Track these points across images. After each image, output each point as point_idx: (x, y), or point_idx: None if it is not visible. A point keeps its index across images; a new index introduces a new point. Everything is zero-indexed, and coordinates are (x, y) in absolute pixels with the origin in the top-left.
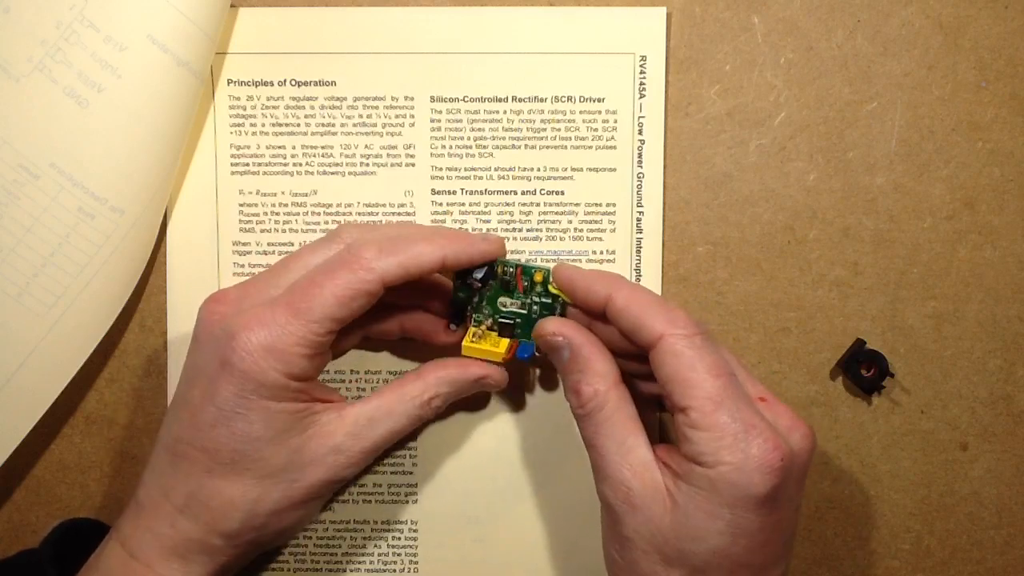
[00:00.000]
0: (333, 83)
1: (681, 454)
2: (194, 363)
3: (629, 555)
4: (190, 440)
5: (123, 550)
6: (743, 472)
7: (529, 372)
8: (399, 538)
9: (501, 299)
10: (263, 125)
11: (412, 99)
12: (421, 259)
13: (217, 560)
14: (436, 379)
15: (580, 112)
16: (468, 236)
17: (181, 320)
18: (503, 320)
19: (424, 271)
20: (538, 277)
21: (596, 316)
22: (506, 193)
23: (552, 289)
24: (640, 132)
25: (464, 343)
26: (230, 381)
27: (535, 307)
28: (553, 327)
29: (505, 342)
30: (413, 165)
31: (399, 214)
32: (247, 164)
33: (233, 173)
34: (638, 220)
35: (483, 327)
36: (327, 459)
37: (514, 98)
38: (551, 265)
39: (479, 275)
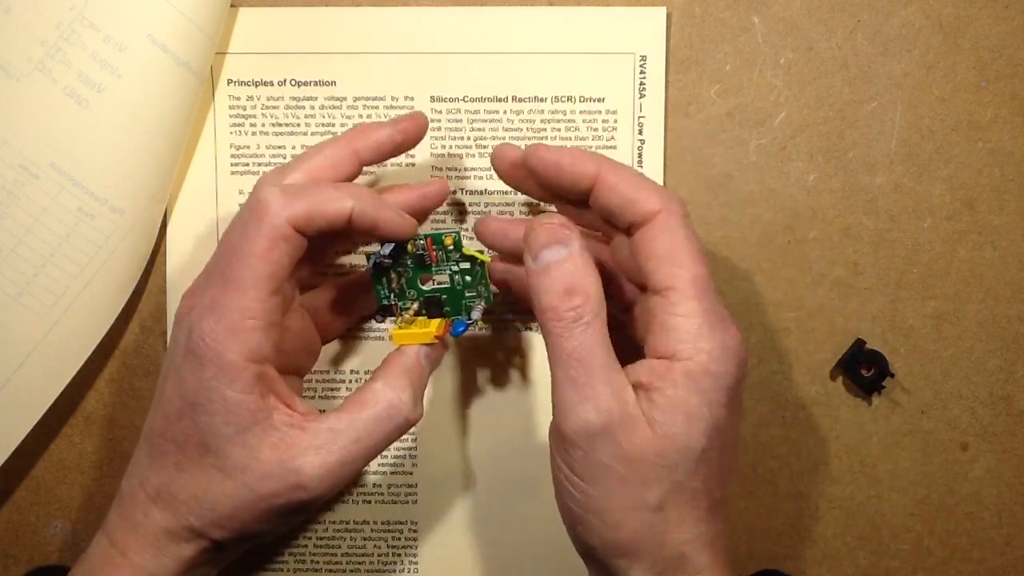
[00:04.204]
0: (333, 83)
1: (651, 358)
2: (169, 357)
3: (602, 486)
4: (162, 433)
5: (107, 540)
6: (720, 361)
7: (530, 372)
8: (399, 538)
9: (421, 276)
10: (263, 125)
11: (412, 99)
12: (328, 205)
13: (185, 553)
14: (385, 374)
15: (580, 112)
16: (380, 199)
17: None
18: (428, 298)
19: (331, 218)
20: (448, 241)
21: (571, 197)
22: (506, 193)
23: (466, 252)
24: (640, 132)
25: (393, 331)
26: (192, 370)
27: (456, 276)
28: (560, 219)
29: (435, 322)
30: (413, 165)
31: None
32: (247, 164)
33: (233, 173)
34: None
35: (410, 312)
36: (287, 478)
37: (514, 98)
38: (458, 228)
39: (386, 251)
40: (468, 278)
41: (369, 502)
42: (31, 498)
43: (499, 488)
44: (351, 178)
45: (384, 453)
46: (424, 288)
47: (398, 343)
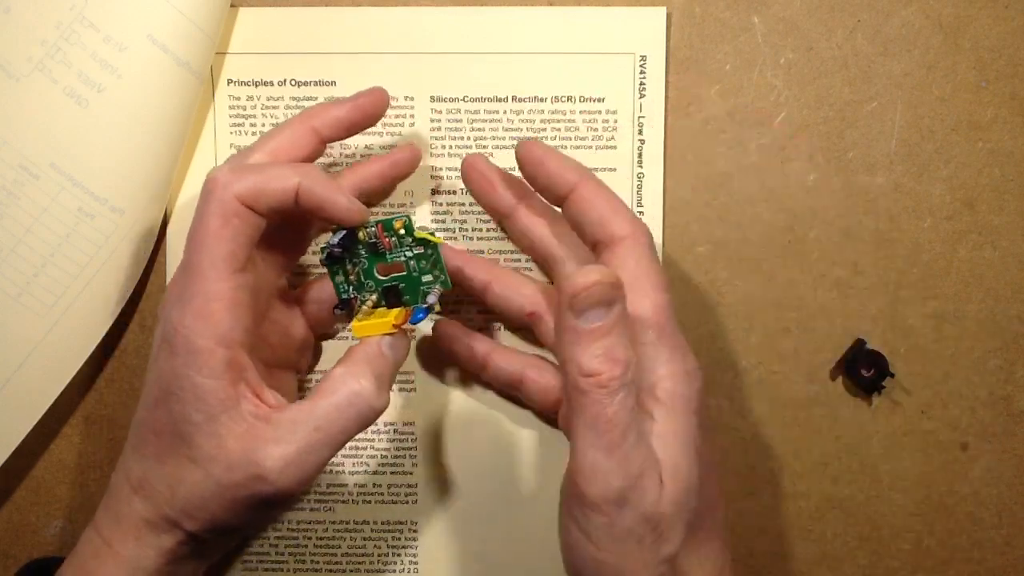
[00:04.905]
0: (333, 83)
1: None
2: (152, 349)
3: (620, 551)
4: (143, 423)
5: (95, 532)
6: (685, 384)
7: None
8: (399, 538)
9: (378, 266)
10: (263, 125)
11: (412, 99)
12: (275, 182)
13: (165, 544)
14: (346, 363)
15: (580, 112)
16: (332, 182)
17: None
18: (386, 288)
19: (279, 194)
20: (398, 225)
21: (549, 198)
22: None
23: (418, 235)
24: (640, 132)
25: (353, 324)
26: (167, 358)
27: (412, 262)
28: (612, 276)
29: (394, 311)
30: None
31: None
32: None
33: None
34: None
35: (369, 303)
36: (249, 469)
37: (514, 98)
38: (407, 213)
39: (335, 240)
40: (423, 262)
41: (369, 502)
42: (31, 498)
43: (499, 488)
44: (313, 156)
45: (384, 453)
46: (381, 278)
47: (358, 335)
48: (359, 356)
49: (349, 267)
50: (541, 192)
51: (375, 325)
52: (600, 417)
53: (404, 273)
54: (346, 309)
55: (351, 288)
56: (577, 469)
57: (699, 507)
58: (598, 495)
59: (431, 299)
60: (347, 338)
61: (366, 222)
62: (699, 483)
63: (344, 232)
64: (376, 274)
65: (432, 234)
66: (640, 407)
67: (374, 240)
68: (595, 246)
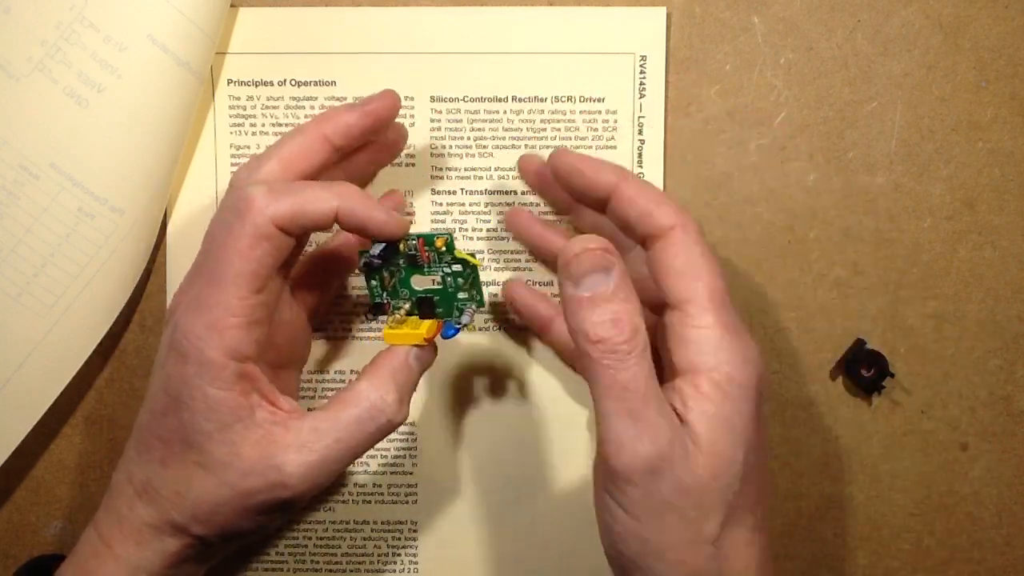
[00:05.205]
0: (333, 83)
1: (673, 374)
2: (158, 353)
3: (660, 525)
4: (148, 428)
5: (95, 532)
6: (743, 371)
7: (530, 372)
8: (399, 538)
9: (414, 277)
10: (263, 125)
11: (412, 99)
12: (314, 205)
13: (169, 548)
14: (371, 374)
15: (580, 112)
16: (368, 198)
17: None
18: (421, 298)
19: (317, 218)
20: (439, 243)
21: (589, 204)
22: (506, 193)
23: (458, 254)
24: (640, 132)
25: (384, 331)
26: (175, 367)
27: (449, 278)
28: (602, 243)
29: (426, 323)
30: (413, 165)
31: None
32: None
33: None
34: None
35: (402, 311)
36: (268, 475)
37: (514, 98)
38: (450, 230)
39: (376, 251)
40: (460, 280)
41: (369, 502)
42: (31, 498)
43: (499, 488)
44: (327, 164)
45: (384, 453)
46: (417, 288)
47: (389, 343)
48: (384, 368)
49: (386, 275)
50: (581, 199)
51: (406, 335)
52: (616, 384)
53: (440, 287)
54: (378, 314)
55: (385, 294)
56: (604, 441)
57: (747, 493)
58: (628, 465)
59: (465, 318)
60: (346, 338)
61: (407, 235)
62: (743, 467)
63: (384, 245)
64: (411, 284)
65: (472, 255)
66: (695, 390)
67: (413, 252)
68: (644, 241)
